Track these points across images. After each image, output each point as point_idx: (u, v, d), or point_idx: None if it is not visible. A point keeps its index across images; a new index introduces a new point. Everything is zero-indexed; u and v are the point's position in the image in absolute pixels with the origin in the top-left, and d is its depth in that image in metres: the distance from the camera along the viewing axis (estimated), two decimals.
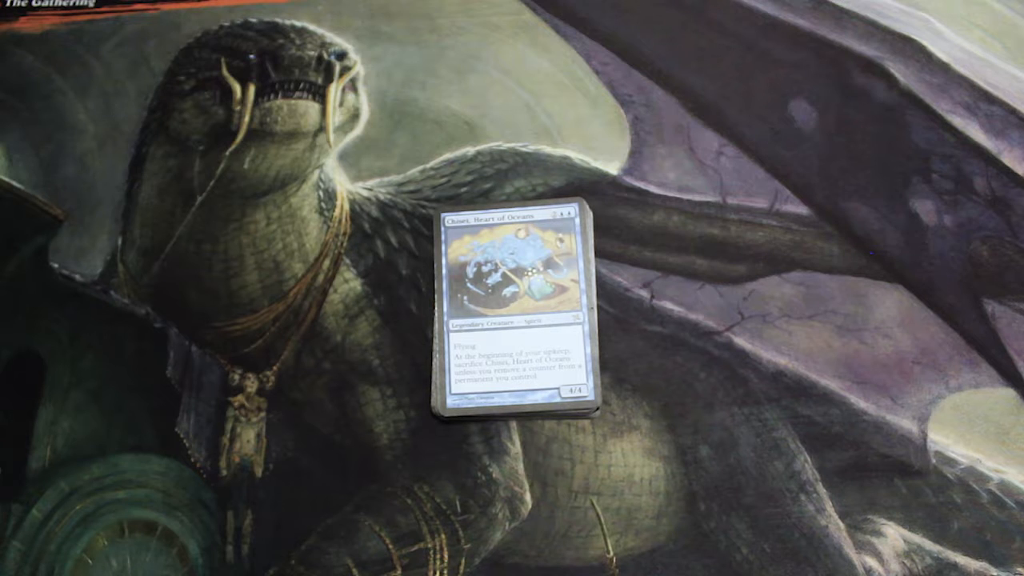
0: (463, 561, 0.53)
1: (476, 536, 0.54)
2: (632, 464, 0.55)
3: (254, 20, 0.67)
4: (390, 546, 0.54)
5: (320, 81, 0.64)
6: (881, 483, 0.53)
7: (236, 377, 0.58)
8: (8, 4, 0.70)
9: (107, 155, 0.65)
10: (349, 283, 0.60)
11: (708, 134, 0.62)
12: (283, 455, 0.57)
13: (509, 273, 0.55)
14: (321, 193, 0.62)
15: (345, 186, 0.62)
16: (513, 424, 0.56)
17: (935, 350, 0.55)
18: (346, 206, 0.61)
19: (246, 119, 0.63)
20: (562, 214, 0.56)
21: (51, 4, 0.70)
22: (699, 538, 0.53)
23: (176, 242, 0.62)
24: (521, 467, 0.55)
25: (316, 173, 0.62)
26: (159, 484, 0.56)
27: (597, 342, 0.54)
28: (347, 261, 0.60)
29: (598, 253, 0.58)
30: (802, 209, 0.59)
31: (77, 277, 0.62)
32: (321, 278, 0.60)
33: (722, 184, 0.60)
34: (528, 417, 0.55)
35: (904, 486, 0.53)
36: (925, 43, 0.62)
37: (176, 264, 0.61)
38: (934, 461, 0.53)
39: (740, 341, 0.57)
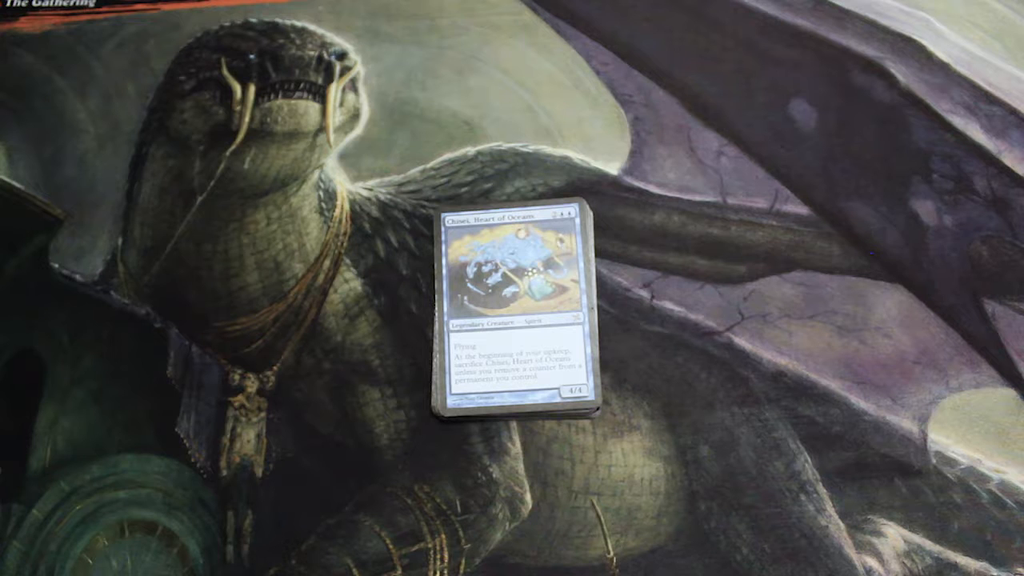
0: (463, 561, 0.53)
1: (476, 536, 0.54)
2: (632, 464, 0.55)
3: (254, 20, 0.67)
4: (390, 546, 0.54)
5: (320, 81, 0.64)
6: (881, 483, 0.53)
7: (236, 377, 0.58)
8: (8, 4, 0.70)
9: (107, 155, 0.65)
10: (349, 283, 0.60)
11: (708, 134, 0.62)
12: (283, 455, 0.57)
13: (509, 273, 0.55)
14: (321, 193, 0.62)
15: (345, 186, 0.62)
16: (513, 424, 0.56)
17: (935, 350, 0.55)
18: (346, 206, 0.61)
19: (246, 119, 0.63)
20: (562, 214, 0.56)
21: (51, 4, 0.70)
22: (699, 538, 0.53)
23: (176, 242, 0.62)
24: (521, 467, 0.55)
25: (316, 173, 0.62)
26: (159, 484, 0.56)
27: (597, 342, 0.54)
28: (347, 261, 0.60)
29: (598, 253, 0.58)
30: (802, 209, 0.59)
31: (77, 277, 0.62)
32: (321, 278, 0.60)
33: (722, 184, 0.60)
34: (528, 417, 0.55)
35: (904, 486, 0.53)
36: (925, 43, 0.62)
37: (176, 264, 0.61)
38: (934, 461, 0.53)
39: (740, 341, 0.57)
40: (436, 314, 0.55)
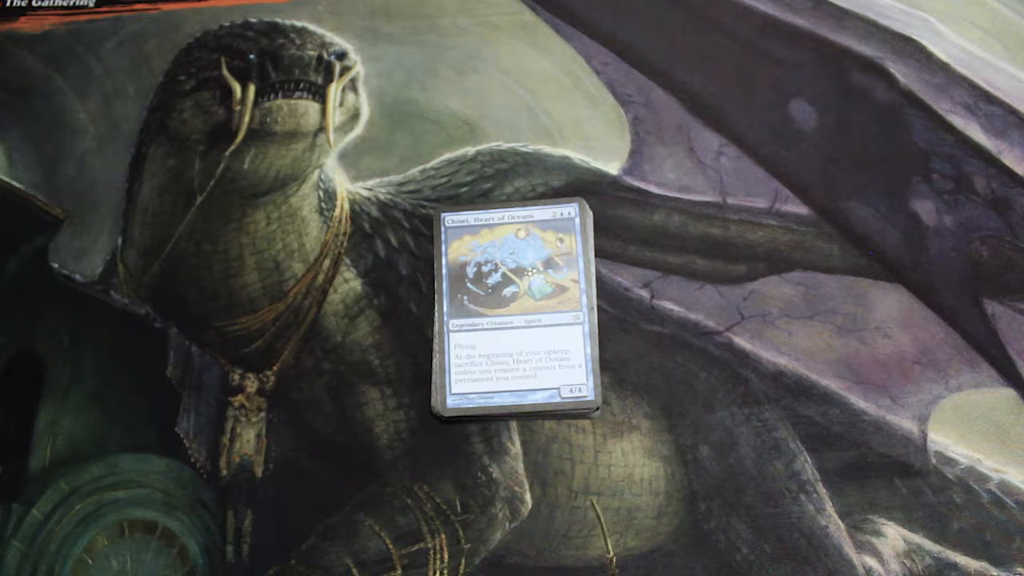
0: (463, 561, 0.53)
1: (476, 536, 0.54)
2: (632, 464, 0.55)
3: (254, 20, 0.67)
4: (390, 546, 0.54)
5: (320, 81, 0.64)
6: (881, 483, 0.53)
7: (236, 377, 0.58)
8: (8, 4, 0.70)
9: (107, 155, 0.65)
10: (349, 283, 0.60)
11: (708, 134, 0.62)
12: (283, 455, 0.57)
13: (509, 273, 0.55)
14: (321, 193, 0.62)
15: (345, 186, 0.62)
16: (513, 424, 0.56)
17: (935, 350, 0.55)
18: (346, 206, 0.61)
19: (246, 119, 0.63)
20: (562, 214, 0.56)
21: (51, 4, 0.70)
22: (699, 538, 0.53)
23: (176, 242, 0.62)
24: (521, 467, 0.55)
25: (316, 173, 0.62)
26: (159, 484, 0.56)
27: (597, 342, 0.54)
28: (347, 261, 0.60)
29: (598, 253, 0.58)
30: (802, 209, 0.59)
31: (77, 277, 0.62)
32: (321, 278, 0.60)
33: (722, 184, 0.60)
34: (528, 417, 0.55)
35: (904, 486, 0.53)
36: (925, 43, 0.62)
37: (176, 264, 0.61)
38: (934, 461, 0.53)
39: (740, 341, 0.57)
40: (436, 314, 0.55)
